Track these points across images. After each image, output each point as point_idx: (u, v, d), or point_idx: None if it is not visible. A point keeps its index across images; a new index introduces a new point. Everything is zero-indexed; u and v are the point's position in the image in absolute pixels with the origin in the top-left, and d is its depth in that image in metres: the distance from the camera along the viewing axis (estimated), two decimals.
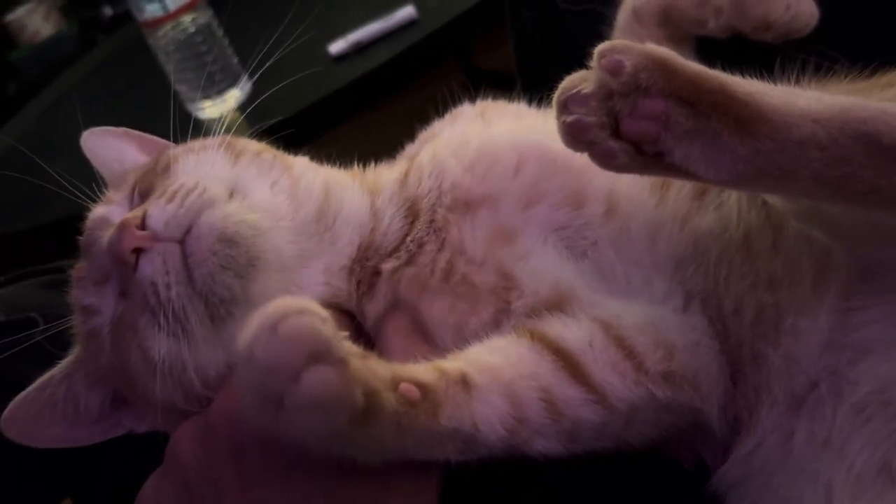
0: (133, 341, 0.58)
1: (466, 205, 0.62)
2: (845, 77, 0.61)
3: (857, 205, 0.49)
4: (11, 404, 0.61)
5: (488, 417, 0.50)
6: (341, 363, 0.42)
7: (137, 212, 0.58)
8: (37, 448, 0.64)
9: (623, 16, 0.76)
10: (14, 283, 0.83)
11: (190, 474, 0.53)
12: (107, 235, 0.59)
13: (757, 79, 0.53)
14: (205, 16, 1.50)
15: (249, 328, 0.42)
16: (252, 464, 0.51)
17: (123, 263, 0.56)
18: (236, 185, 0.62)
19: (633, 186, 0.60)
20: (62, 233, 1.49)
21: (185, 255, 0.56)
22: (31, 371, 0.68)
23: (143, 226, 0.57)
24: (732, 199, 0.58)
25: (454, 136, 0.68)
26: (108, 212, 0.63)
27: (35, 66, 2.85)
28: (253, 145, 0.68)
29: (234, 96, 1.55)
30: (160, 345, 0.57)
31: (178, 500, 0.53)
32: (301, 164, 0.68)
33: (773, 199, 0.57)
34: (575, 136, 0.48)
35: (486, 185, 0.62)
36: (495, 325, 0.59)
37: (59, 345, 0.70)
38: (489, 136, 0.66)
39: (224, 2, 1.58)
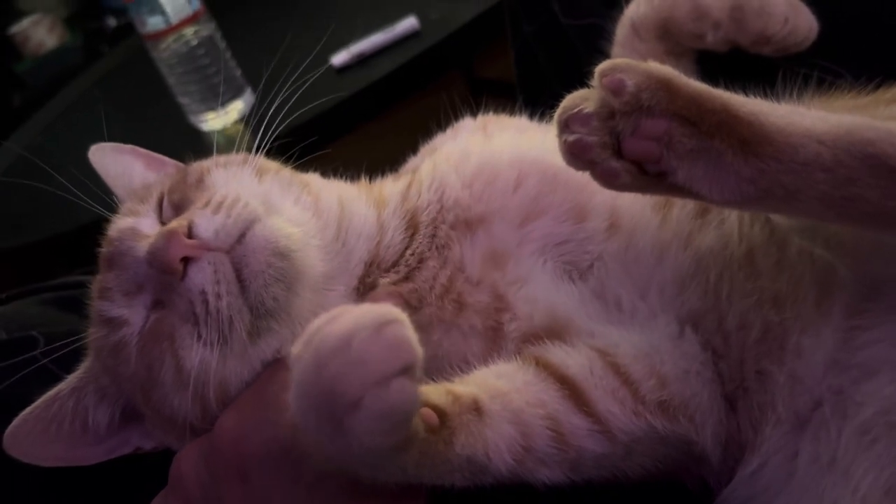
0: (168, 351, 0.57)
1: (467, 224, 0.62)
2: (848, 92, 0.60)
3: (862, 226, 0.49)
4: (16, 420, 0.60)
5: (499, 446, 0.50)
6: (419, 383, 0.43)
7: (181, 220, 0.57)
8: (40, 468, 0.63)
9: (622, 30, 0.75)
10: (15, 300, 0.82)
11: (194, 495, 0.53)
12: (141, 245, 0.59)
13: (759, 95, 0.53)
14: (207, 28, 1.50)
15: (342, 322, 0.42)
16: (257, 483, 0.51)
17: (171, 272, 0.56)
18: (266, 201, 0.61)
19: (635, 203, 0.60)
20: (64, 247, 1.50)
21: (235, 266, 0.56)
22: (32, 390, 0.68)
23: (189, 235, 0.56)
24: (733, 217, 0.58)
25: (455, 150, 0.68)
26: (137, 223, 0.62)
27: (40, 77, 2.86)
28: (270, 164, 0.68)
29: (236, 108, 1.55)
30: (196, 355, 0.56)
31: None
32: (316, 180, 0.69)
33: (777, 217, 0.56)
34: (576, 155, 0.48)
35: (484, 202, 0.62)
36: (490, 349, 0.59)
37: (60, 363, 0.70)
38: (490, 150, 0.66)
39: (227, 14, 1.58)
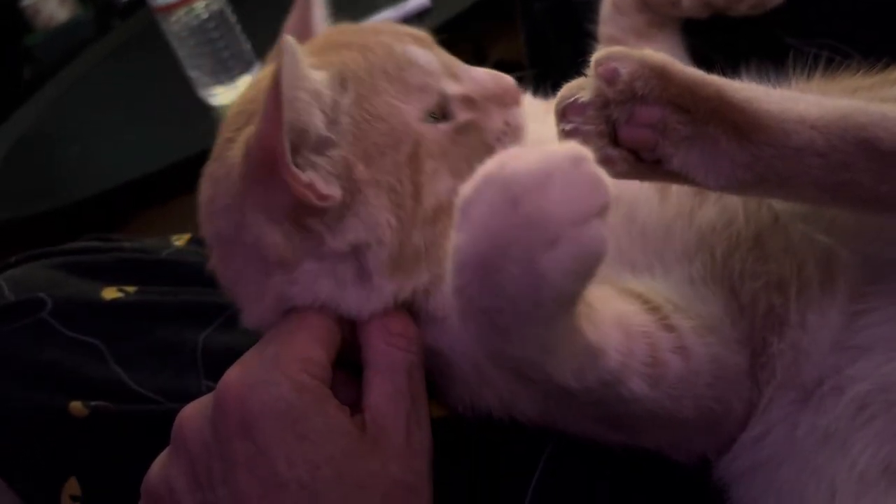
0: None
1: None
2: (856, 72, 0.60)
3: (858, 210, 0.49)
4: None
5: (608, 341, 0.49)
6: None
7: None
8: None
9: (605, 8, 0.77)
10: (24, 263, 0.83)
11: (196, 453, 0.54)
12: None
13: (768, 74, 0.53)
14: (218, 2, 1.50)
15: (531, 159, 0.39)
16: (260, 440, 0.51)
17: None
18: None
19: (631, 181, 0.60)
20: (72, 218, 1.51)
21: None
22: (40, 350, 0.69)
23: None
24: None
25: None
26: None
27: (51, 50, 2.85)
28: None
29: (246, 82, 1.55)
30: None
31: (186, 479, 0.54)
32: None
33: (778, 202, 0.57)
34: None
35: None
36: None
37: (68, 325, 0.71)
38: None
39: None
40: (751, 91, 0.47)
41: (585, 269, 0.41)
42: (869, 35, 0.70)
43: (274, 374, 0.53)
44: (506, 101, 0.59)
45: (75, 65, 2.12)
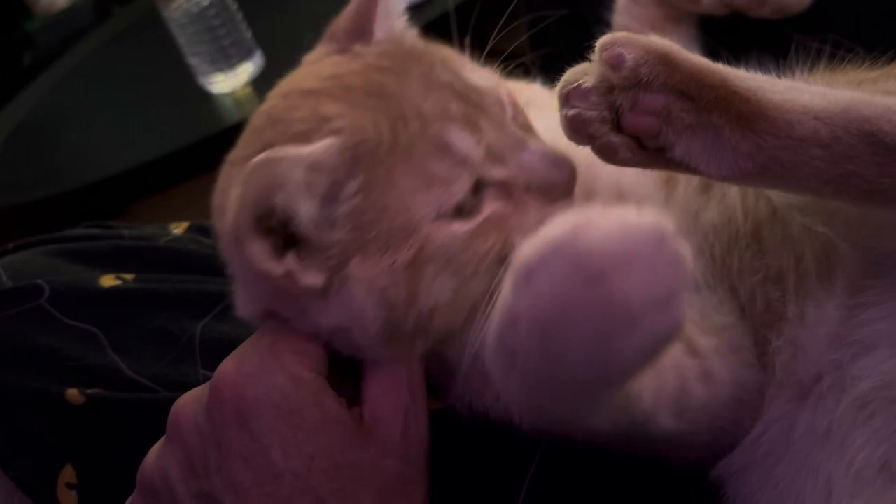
0: None
1: None
2: (861, 64, 0.60)
3: (861, 202, 0.49)
4: None
5: (644, 383, 0.48)
6: None
7: None
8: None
9: None
10: (22, 250, 0.83)
11: (192, 442, 0.54)
12: None
13: (771, 67, 0.53)
14: None
15: (610, 227, 0.36)
16: (255, 430, 0.51)
17: None
18: None
19: (638, 182, 0.60)
20: (71, 205, 1.51)
21: None
22: (37, 337, 0.69)
23: None
24: (734, 191, 0.58)
25: None
26: None
27: (51, 37, 2.85)
28: None
29: (246, 70, 1.55)
30: None
31: (181, 468, 0.54)
32: None
33: (777, 194, 0.57)
34: (576, 130, 0.48)
35: None
36: None
37: (66, 312, 0.71)
38: None
39: None
40: (756, 80, 0.47)
41: (661, 349, 0.39)
42: (874, 31, 0.70)
43: (270, 365, 0.52)
44: (552, 196, 0.53)
45: (75, 51, 2.12)
